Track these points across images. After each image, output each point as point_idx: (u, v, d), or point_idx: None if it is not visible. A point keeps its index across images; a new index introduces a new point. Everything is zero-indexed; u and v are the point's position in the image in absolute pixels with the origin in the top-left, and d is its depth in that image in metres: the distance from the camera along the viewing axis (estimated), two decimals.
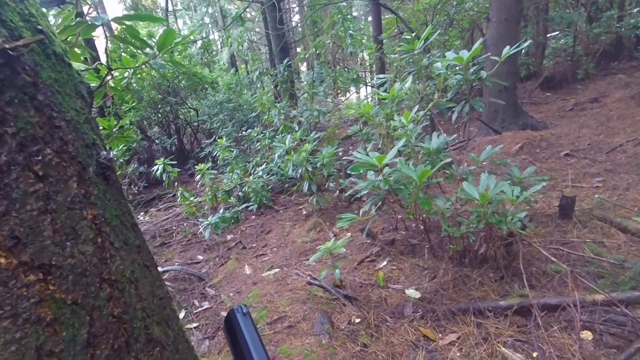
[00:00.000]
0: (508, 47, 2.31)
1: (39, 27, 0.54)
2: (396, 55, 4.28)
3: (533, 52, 9.48)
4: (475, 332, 2.02)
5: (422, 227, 2.80)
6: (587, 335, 1.86)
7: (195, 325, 2.68)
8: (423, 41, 2.81)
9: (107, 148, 0.66)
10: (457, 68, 2.74)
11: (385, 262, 2.89)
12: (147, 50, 1.61)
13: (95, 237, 0.53)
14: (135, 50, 1.57)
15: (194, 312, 2.84)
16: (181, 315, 2.83)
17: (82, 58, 1.64)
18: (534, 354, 1.82)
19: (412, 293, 2.44)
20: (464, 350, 1.94)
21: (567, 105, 7.06)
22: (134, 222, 0.71)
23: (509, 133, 5.29)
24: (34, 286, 0.43)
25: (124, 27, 1.43)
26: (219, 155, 5.25)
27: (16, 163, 0.45)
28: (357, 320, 2.29)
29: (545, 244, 2.56)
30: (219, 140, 5.13)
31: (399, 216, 3.31)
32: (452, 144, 4.92)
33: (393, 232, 3.33)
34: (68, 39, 1.43)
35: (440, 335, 2.07)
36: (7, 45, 0.40)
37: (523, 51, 8.86)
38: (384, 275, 2.70)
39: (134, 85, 6.58)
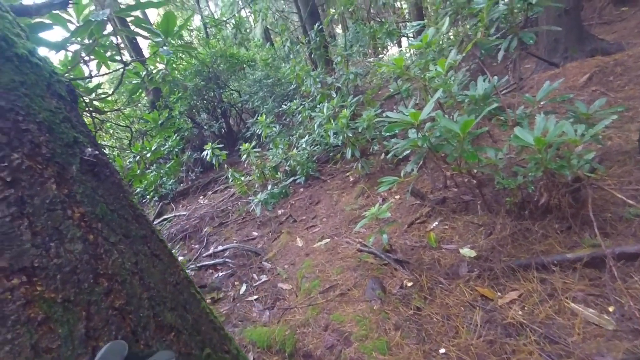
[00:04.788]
0: None
1: None
2: None
3: None
4: (539, 288, 1.86)
5: (473, 182, 2.60)
6: None
7: (255, 297, 2.84)
8: None
9: (94, 144, 0.65)
10: None
11: (436, 223, 2.76)
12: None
13: (84, 234, 0.53)
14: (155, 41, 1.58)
15: (254, 285, 3.00)
16: (242, 289, 3.01)
17: (108, 59, 1.70)
18: (610, 309, 1.64)
19: (467, 252, 2.31)
20: (526, 308, 1.80)
21: None
22: (137, 214, 0.71)
23: (573, 64, 4.58)
24: (19, 289, 0.44)
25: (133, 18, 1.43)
26: (262, 133, 5.33)
27: None
28: (410, 284, 2.24)
29: (621, 186, 2.23)
30: (259, 118, 5.19)
31: (448, 173, 3.11)
32: (504, 87, 4.43)
33: (443, 190, 3.15)
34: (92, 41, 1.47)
35: (499, 294, 1.95)
36: None
37: None
38: (436, 236, 2.59)
39: (177, 75, 6.84)
